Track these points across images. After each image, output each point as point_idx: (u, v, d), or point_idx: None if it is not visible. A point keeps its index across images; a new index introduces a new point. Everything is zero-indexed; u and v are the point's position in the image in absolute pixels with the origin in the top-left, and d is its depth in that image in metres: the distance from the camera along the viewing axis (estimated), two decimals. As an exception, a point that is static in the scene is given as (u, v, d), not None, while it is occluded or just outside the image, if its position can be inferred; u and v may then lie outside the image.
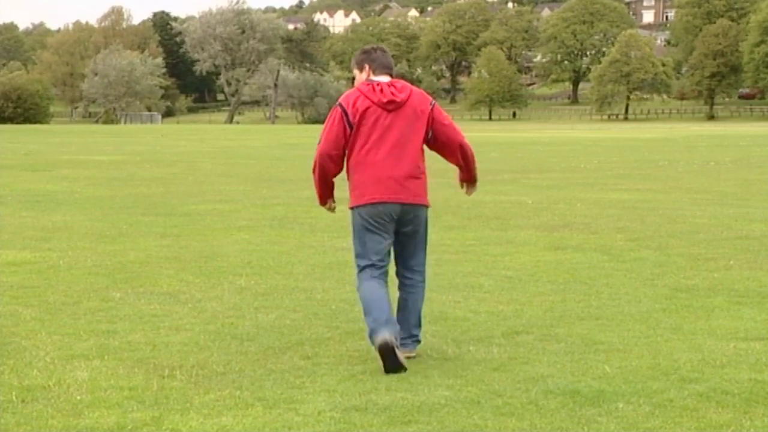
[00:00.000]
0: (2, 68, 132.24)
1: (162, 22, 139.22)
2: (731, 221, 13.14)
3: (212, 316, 7.07)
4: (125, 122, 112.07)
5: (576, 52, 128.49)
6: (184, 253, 10.11)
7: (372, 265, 5.86)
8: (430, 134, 5.96)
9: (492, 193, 17.60)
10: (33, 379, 5.39)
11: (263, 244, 10.89)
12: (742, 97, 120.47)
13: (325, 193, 6.02)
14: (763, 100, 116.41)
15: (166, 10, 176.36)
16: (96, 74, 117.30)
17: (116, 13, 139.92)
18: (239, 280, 8.49)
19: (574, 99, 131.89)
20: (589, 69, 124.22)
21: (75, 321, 6.86)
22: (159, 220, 13.15)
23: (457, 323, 6.84)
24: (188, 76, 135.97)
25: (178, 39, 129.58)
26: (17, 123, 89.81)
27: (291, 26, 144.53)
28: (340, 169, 5.95)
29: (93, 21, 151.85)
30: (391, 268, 6.10)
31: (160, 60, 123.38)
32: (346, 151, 5.88)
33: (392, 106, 5.80)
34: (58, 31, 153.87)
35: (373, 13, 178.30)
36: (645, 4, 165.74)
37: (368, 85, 5.86)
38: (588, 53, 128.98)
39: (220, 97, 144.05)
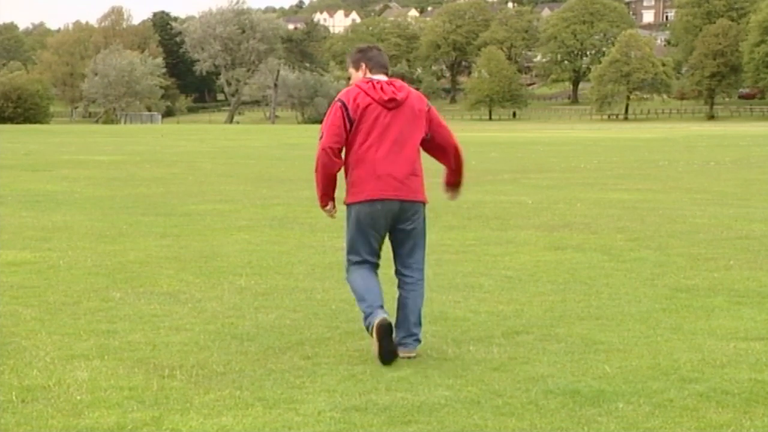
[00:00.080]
0: (2, 68, 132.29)
1: (162, 22, 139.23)
2: (731, 221, 13.14)
3: (212, 316, 7.07)
4: (125, 122, 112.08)
5: (576, 52, 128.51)
6: (184, 253, 10.11)
7: (364, 261, 5.94)
8: (428, 135, 5.98)
9: (492, 193, 17.61)
10: (33, 379, 5.39)
11: (263, 244, 10.89)
12: (742, 97, 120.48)
13: (328, 192, 5.98)
14: (763, 100, 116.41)
15: (166, 10, 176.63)
16: (96, 74, 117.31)
17: (116, 13, 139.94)
18: (239, 280, 8.49)
19: (574, 99, 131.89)
20: (589, 69, 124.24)
21: (75, 321, 6.86)
22: (159, 220, 13.15)
23: (457, 323, 6.84)
24: (188, 76, 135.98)
25: (178, 39, 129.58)
26: (17, 123, 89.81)
27: (291, 26, 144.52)
28: (341, 165, 5.94)
29: (93, 21, 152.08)
30: (391, 269, 6.11)
31: (160, 60, 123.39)
32: (345, 147, 5.89)
33: (392, 105, 5.83)
34: (58, 31, 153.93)
35: (373, 13, 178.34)
36: (645, 4, 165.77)
37: (368, 82, 5.87)
38: (588, 53, 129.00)
39: (220, 97, 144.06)
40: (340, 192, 6.01)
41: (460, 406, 4.91)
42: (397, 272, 6.06)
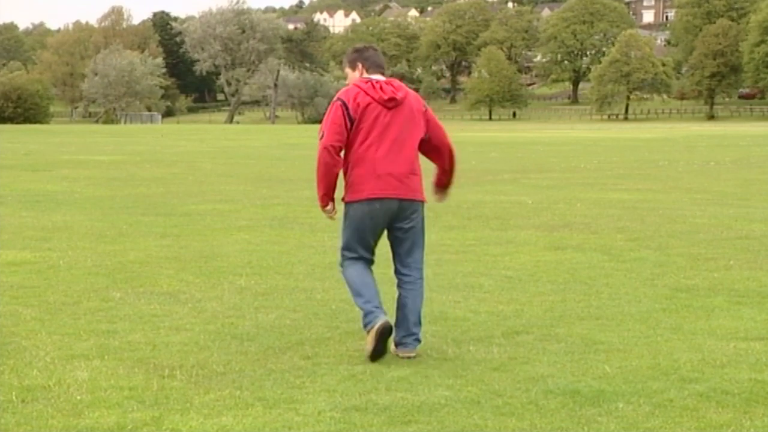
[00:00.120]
0: (2, 68, 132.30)
1: (162, 22, 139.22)
2: (731, 221, 13.14)
3: (212, 316, 7.07)
4: (125, 122, 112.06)
5: (576, 52, 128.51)
6: (184, 253, 10.11)
7: (359, 258, 5.97)
8: (426, 136, 6.01)
9: (492, 193, 17.61)
10: (33, 379, 5.39)
11: (263, 244, 10.89)
12: (742, 97, 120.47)
13: (329, 192, 5.96)
14: (763, 100, 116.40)
15: (166, 10, 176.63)
16: (96, 74, 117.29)
17: (116, 13, 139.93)
18: (239, 280, 8.49)
19: (574, 99, 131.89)
20: (589, 69, 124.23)
21: (75, 321, 6.86)
22: (159, 220, 13.15)
23: (457, 323, 6.84)
24: (188, 76, 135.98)
25: (178, 39, 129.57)
26: (17, 123, 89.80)
27: (291, 26, 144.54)
28: (342, 164, 5.93)
29: (93, 21, 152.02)
30: (390, 269, 6.12)
31: (160, 60, 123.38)
32: (345, 146, 5.90)
33: (392, 104, 5.85)
34: (58, 31, 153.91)
35: (373, 13, 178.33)
36: (645, 4, 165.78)
37: (367, 82, 5.89)
38: (588, 53, 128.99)
39: (220, 97, 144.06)
40: (339, 192, 6.02)
41: (460, 406, 4.91)
42: (397, 272, 6.06)
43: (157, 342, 6.25)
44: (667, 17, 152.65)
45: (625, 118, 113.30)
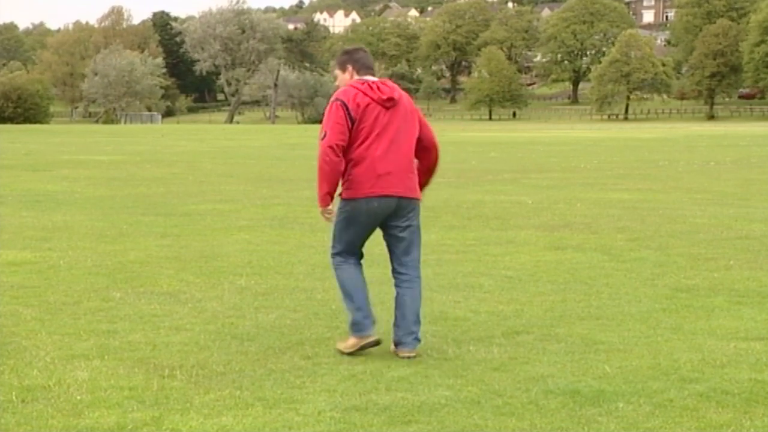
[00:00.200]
0: (2, 68, 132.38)
1: (162, 22, 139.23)
2: (731, 221, 13.14)
3: (212, 316, 7.07)
4: (125, 122, 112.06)
5: (576, 52, 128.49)
6: (185, 253, 10.11)
7: (353, 254, 6.08)
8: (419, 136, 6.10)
9: (492, 193, 17.61)
10: (33, 379, 5.39)
11: (263, 244, 10.89)
12: (742, 96, 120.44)
13: (333, 190, 5.96)
14: (763, 100, 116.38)
15: (166, 10, 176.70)
16: (96, 74, 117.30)
17: (116, 13, 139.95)
18: (239, 280, 8.49)
19: (574, 99, 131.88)
20: (589, 69, 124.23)
21: (75, 321, 6.86)
22: (159, 220, 13.15)
23: (458, 323, 6.84)
24: (188, 76, 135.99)
25: (178, 39, 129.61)
26: (17, 123, 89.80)
27: (291, 26, 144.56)
28: (344, 163, 5.94)
29: (93, 21, 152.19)
30: (388, 268, 6.12)
31: (160, 60, 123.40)
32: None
33: (390, 104, 5.92)
34: (58, 31, 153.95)
35: (373, 13, 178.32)
36: (645, 4, 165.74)
37: (363, 83, 5.94)
38: (588, 53, 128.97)
39: (220, 97, 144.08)
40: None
41: (461, 406, 4.91)
42: (394, 271, 6.10)
43: (158, 342, 6.25)
44: (667, 17, 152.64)
45: (625, 118, 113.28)
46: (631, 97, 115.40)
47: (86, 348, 6.09)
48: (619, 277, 8.72)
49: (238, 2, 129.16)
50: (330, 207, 6.03)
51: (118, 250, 10.30)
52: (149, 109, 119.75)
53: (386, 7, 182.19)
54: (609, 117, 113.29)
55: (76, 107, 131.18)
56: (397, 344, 5.94)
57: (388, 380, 5.38)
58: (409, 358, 5.85)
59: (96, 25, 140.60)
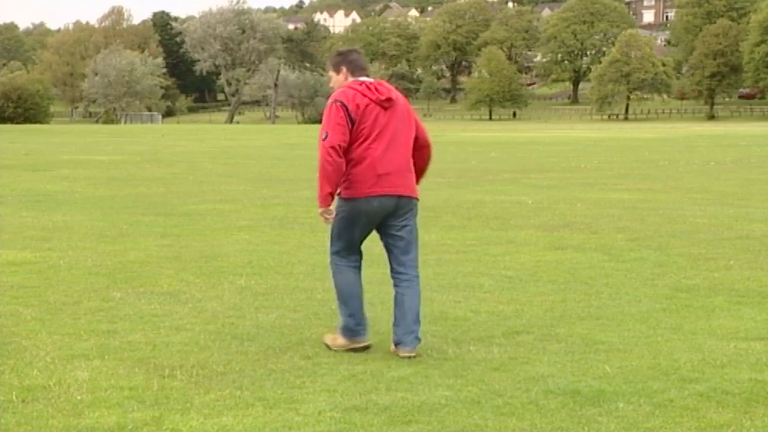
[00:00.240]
0: (3, 68, 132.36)
1: (162, 22, 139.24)
2: (732, 221, 13.14)
3: (212, 315, 7.07)
4: (125, 122, 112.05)
5: (576, 51, 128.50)
6: (185, 253, 10.11)
7: (351, 254, 6.12)
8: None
9: (492, 193, 17.61)
10: (33, 379, 5.39)
11: (263, 244, 10.89)
12: (742, 96, 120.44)
13: (334, 191, 5.97)
14: (763, 100, 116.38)
15: (166, 10, 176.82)
16: (96, 74, 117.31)
17: (116, 13, 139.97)
18: (239, 280, 8.49)
19: (575, 99, 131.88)
20: (589, 69, 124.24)
21: (75, 321, 6.86)
22: (159, 220, 13.15)
23: (458, 323, 6.84)
24: (188, 76, 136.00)
25: (178, 39, 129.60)
26: (17, 123, 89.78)
27: (291, 26, 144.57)
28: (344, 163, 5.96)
29: (93, 21, 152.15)
30: (386, 268, 6.13)
31: (160, 60, 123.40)
32: None
33: (388, 104, 5.97)
34: (59, 31, 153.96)
35: (373, 13, 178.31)
36: (645, 4, 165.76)
37: (361, 84, 5.98)
38: (588, 53, 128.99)
39: (221, 97, 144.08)
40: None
41: (461, 406, 4.91)
42: (393, 271, 6.11)
43: (158, 342, 6.25)
44: (667, 17, 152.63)
45: (626, 118, 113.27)
46: (632, 97, 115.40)
47: (86, 348, 6.09)
48: (619, 277, 8.72)
49: (238, 2, 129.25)
50: (331, 207, 6.04)
51: (118, 250, 10.30)
52: (149, 109, 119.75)
53: (386, 7, 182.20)
54: (609, 117, 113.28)
55: (77, 107, 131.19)
56: (397, 344, 5.95)
57: (388, 380, 5.38)
58: (409, 357, 5.85)
59: (96, 25, 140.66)
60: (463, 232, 11.94)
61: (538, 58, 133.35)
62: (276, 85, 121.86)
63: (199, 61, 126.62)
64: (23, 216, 13.51)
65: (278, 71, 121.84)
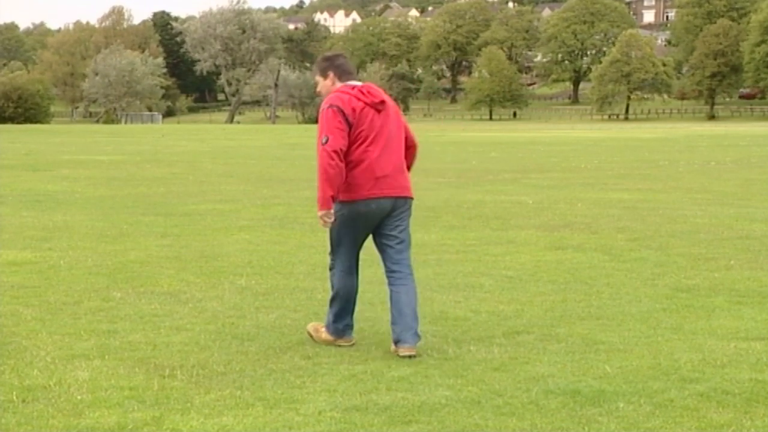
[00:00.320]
0: (3, 68, 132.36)
1: (162, 22, 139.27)
2: (732, 221, 13.14)
3: (213, 315, 7.07)
4: (126, 122, 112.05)
5: (576, 52, 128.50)
6: (185, 252, 10.11)
7: (350, 256, 6.16)
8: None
9: (492, 193, 17.61)
10: (33, 378, 5.39)
11: (264, 243, 10.89)
12: (742, 96, 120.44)
13: (336, 194, 5.97)
14: (763, 100, 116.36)
15: (167, 10, 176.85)
16: (96, 74, 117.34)
17: (117, 13, 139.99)
18: (240, 279, 8.49)
19: (575, 99, 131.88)
20: (589, 69, 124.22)
21: (75, 321, 6.86)
22: (159, 219, 13.15)
23: (458, 323, 6.84)
24: (189, 76, 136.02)
25: (178, 39, 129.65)
26: (18, 123, 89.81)
27: (291, 26, 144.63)
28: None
29: (93, 21, 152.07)
30: (380, 269, 6.14)
31: (160, 60, 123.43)
32: None
33: (381, 107, 6.04)
34: (59, 31, 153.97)
35: (373, 13, 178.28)
36: (645, 4, 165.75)
37: (353, 88, 6.05)
38: (588, 53, 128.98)
39: (221, 97, 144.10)
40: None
41: (461, 406, 4.91)
42: (388, 269, 6.15)
43: (158, 342, 6.26)
44: (667, 17, 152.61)
45: (626, 118, 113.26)
46: (632, 97, 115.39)
47: (87, 348, 6.09)
48: (619, 277, 8.72)
49: (238, 2, 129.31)
50: (332, 210, 6.05)
51: (119, 250, 10.30)
52: (150, 109, 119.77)
53: (387, 7, 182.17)
54: (609, 117, 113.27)
55: (77, 107, 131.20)
56: (396, 342, 5.94)
57: (388, 380, 5.38)
58: (409, 356, 5.84)
59: (96, 25, 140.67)
60: (463, 232, 11.94)
61: (539, 58, 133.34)
62: (276, 85, 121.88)
63: (199, 61, 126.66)
64: (23, 216, 13.51)
65: (278, 71, 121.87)
